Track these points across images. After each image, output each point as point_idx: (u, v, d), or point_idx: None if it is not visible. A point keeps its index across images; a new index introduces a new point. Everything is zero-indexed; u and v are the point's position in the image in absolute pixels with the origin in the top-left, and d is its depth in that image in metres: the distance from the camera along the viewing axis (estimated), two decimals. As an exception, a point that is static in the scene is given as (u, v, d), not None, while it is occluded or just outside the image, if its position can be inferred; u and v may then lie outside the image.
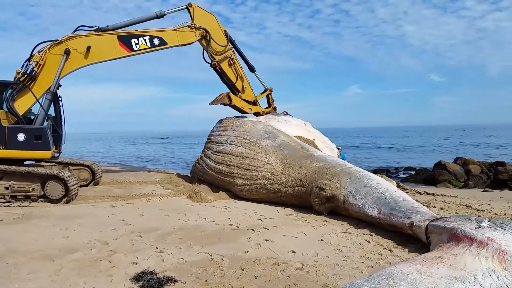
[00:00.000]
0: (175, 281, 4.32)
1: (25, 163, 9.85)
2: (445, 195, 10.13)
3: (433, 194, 10.18)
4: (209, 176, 10.60)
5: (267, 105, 13.26)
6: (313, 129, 12.08)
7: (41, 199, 9.05)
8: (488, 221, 4.66)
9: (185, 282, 4.28)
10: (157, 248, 5.58)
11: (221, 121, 12.01)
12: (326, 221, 7.23)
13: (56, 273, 4.61)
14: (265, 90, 13.15)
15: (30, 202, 8.96)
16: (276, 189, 8.77)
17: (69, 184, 8.99)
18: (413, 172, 22.16)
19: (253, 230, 6.57)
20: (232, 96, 12.15)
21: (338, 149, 13.10)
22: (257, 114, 12.67)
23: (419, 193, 10.36)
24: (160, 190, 10.65)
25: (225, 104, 12.21)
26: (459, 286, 3.51)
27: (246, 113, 12.63)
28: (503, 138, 61.10)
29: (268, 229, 6.62)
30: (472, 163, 20.13)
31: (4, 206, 8.61)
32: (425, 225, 5.47)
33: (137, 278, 4.41)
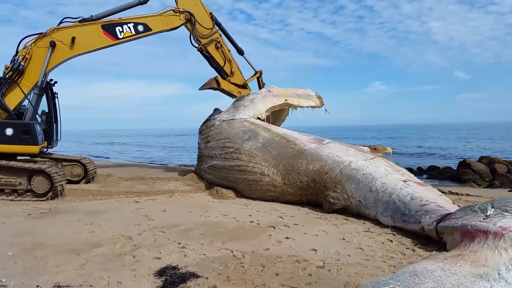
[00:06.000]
0: (198, 276, 4.37)
1: (18, 158, 9.99)
2: (469, 195, 9.92)
3: (457, 194, 9.98)
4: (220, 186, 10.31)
5: (258, 88, 12.91)
6: (279, 90, 11.26)
7: (28, 193, 9.12)
8: (492, 207, 4.55)
9: (207, 278, 4.33)
10: (179, 243, 5.65)
11: (200, 132, 11.71)
12: (348, 219, 7.17)
13: (81, 266, 4.72)
14: (255, 73, 12.96)
15: (16, 196, 9.05)
16: (290, 199, 8.67)
17: (53, 179, 9.00)
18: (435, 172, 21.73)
19: (274, 227, 6.58)
20: (220, 80, 12.00)
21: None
22: None
23: (443, 192, 10.16)
24: (182, 187, 10.74)
25: (214, 89, 12.06)
26: (484, 285, 3.46)
27: (235, 96, 12.23)
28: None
29: (289, 227, 6.62)
30: (498, 162, 19.64)
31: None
32: (434, 228, 5.41)
33: (160, 273, 4.48)
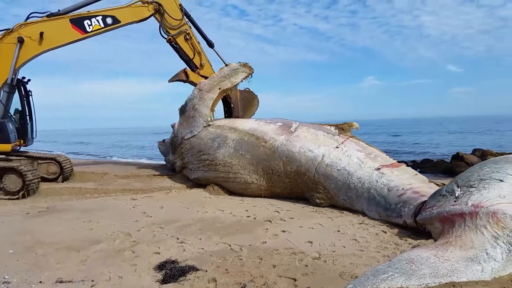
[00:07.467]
0: (197, 269, 4.47)
1: None
2: (462, 187, 10.06)
3: (450, 186, 10.12)
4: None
5: None
6: (208, 83, 10.87)
7: (0, 192, 9.10)
8: (458, 186, 4.70)
9: (206, 271, 4.43)
10: (178, 238, 5.75)
11: (173, 152, 11.63)
12: (343, 212, 7.29)
13: (82, 263, 4.81)
14: (226, 66, 12.99)
15: None
16: (285, 194, 8.65)
17: (25, 177, 8.99)
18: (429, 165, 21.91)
19: (270, 221, 6.69)
20: (189, 72, 11.97)
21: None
22: None
23: (437, 185, 10.31)
24: (179, 183, 10.83)
25: (183, 81, 12.00)
26: (476, 268, 3.62)
27: None
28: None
29: (285, 221, 6.73)
30: (491, 155, 19.83)
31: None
32: (414, 221, 5.58)
33: (160, 267, 4.58)
